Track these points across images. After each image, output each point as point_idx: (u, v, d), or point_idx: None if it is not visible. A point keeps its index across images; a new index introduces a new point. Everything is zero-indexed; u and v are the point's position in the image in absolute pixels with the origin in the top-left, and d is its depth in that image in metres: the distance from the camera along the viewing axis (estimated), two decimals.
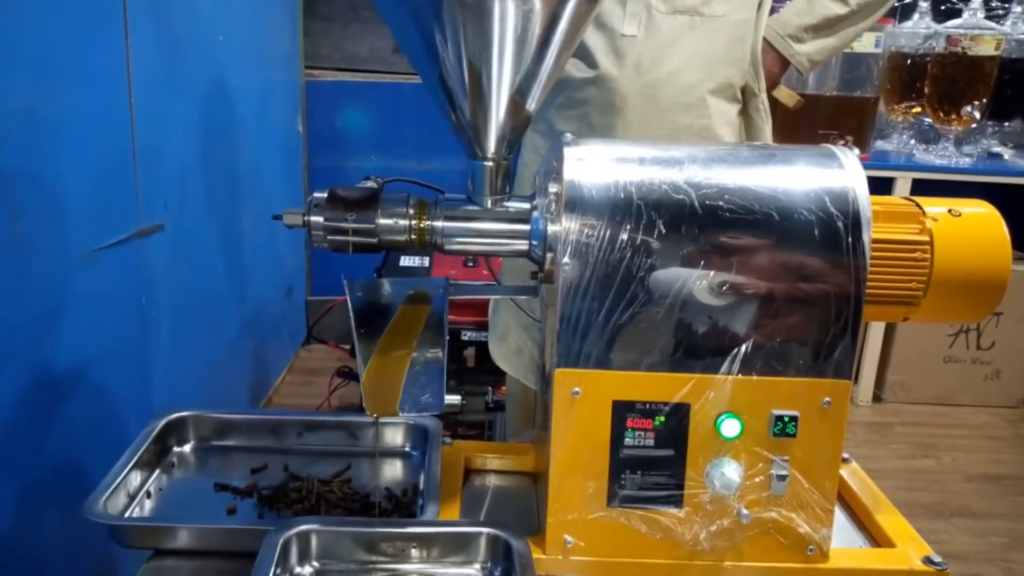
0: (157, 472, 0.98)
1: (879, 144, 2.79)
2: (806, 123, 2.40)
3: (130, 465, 0.92)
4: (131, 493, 0.93)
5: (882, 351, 2.84)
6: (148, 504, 0.94)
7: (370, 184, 0.89)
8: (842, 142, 2.20)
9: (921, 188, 2.59)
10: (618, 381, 0.82)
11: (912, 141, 2.78)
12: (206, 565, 0.85)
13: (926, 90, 2.64)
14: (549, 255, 0.85)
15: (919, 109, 2.74)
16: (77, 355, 1.35)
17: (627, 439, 0.83)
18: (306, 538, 0.81)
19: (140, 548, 0.86)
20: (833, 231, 0.81)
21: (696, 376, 0.82)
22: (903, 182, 2.60)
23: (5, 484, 1.17)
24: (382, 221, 0.86)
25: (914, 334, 2.78)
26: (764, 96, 1.32)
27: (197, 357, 1.97)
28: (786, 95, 1.37)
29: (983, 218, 0.91)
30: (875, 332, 2.82)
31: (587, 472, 0.83)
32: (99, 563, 1.40)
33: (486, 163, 0.86)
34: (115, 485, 0.88)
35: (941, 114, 2.64)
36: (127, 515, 0.90)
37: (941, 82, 2.60)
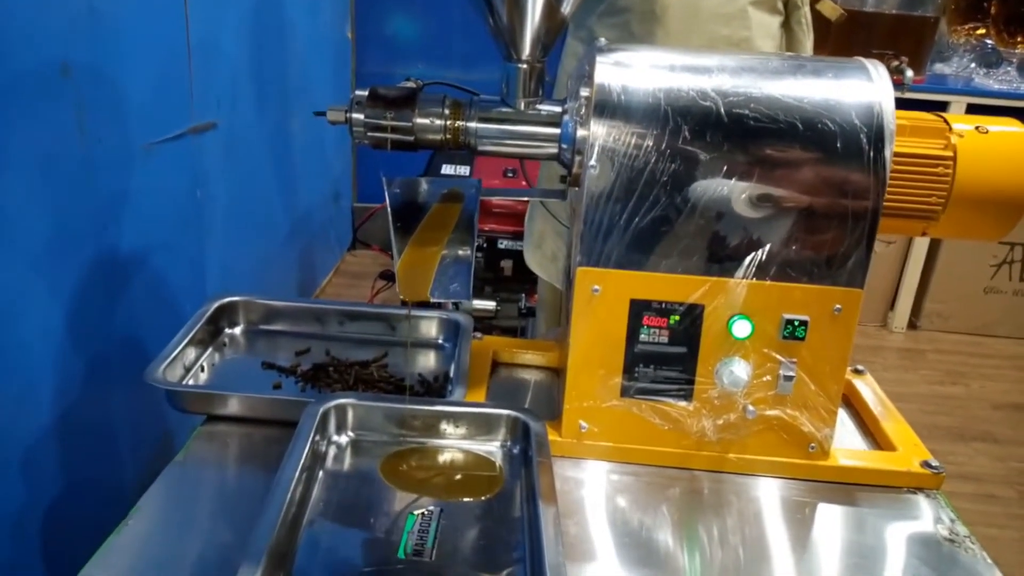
0: (210, 350, 1.07)
1: (937, 67, 2.69)
2: (861, 41, 2.33)
3: (186, 341, 1.00)
4: (187, 366, 1.01)
5: (921, 279, 2.81)
6: (202, 376, 1.02)
7: (410, 85, 0.93)
8: (896, 63, 2.13)
9: (977, 114, 2.51)
10: (636, 281, 0.86)
11: (972, 65, 2.68)
12: (253, 431, 0.93)
13: (992, 10, 2.54)
14: (577, 158, 0.87)
15: (983, 31, 2.63)
16: (138, 241, 1.43)
17: (642, 335, 0.88)
18: (343, 411, 0.89)
19: (194, 413, 0.95)
20: (855, 143, 0.82)
21: (712, 279, 0.86)
22: (957, 106, 2.52)
23: (76, 357, 1.28)
24: (419, 120, 0.90)
25: (955, 263, 2.75)
26: (807, 9, 1.30)
27: (248, 252, 2.07)
28: (829, 8, 1.35)
29: (1011, 136, 0.91)
30: (915, 259, 2.78)
31: (603, 364, 0.89)
32: (158, 429, 1.52)
33: (520, 66, 0.89)
34: (172, 356, 0.97)
35: (1006, 36, 2.54)
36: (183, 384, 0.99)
37: (1010, 1, 2.49)
